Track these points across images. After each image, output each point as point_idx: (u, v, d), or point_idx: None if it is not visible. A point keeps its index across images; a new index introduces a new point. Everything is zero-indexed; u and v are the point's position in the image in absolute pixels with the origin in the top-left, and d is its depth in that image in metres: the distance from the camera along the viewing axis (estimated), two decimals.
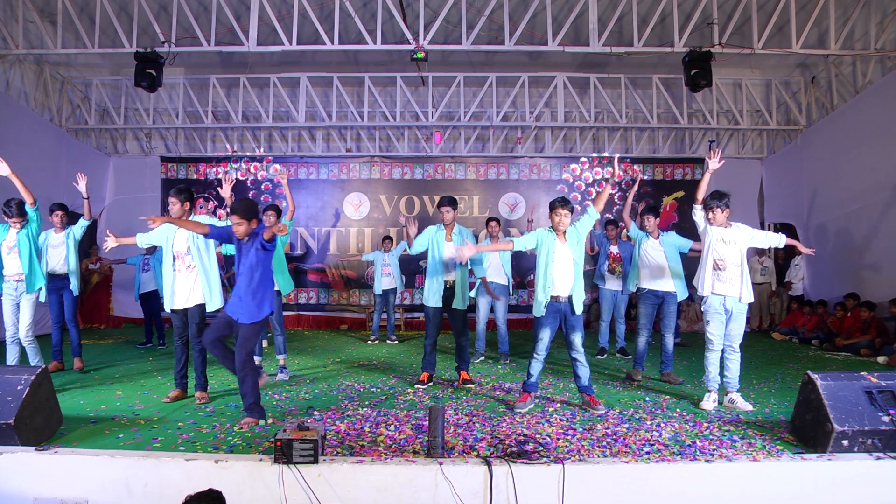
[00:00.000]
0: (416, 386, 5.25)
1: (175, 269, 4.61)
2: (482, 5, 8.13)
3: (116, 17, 8.01)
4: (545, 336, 4.46)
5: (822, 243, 8.89)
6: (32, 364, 5.14)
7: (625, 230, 6.08)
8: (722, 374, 4.57)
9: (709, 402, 4.52)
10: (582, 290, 4.48)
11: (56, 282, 5.82)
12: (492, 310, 6.78)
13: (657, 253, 5.62)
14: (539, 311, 4.45)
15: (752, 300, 4.54)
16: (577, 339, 4.46)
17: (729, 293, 4.47)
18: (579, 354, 4.47)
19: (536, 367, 4.50)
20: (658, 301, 5.57)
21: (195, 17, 8.05)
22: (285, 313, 9.89)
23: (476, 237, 6.37)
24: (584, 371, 4.49)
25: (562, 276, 4.40)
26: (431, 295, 5.29)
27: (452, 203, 5.32)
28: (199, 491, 2.39)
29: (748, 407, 4.44)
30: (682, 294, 5.59)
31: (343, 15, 7.90)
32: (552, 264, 4.39)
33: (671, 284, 5.56)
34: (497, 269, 6.71)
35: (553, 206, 4.43)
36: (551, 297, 4.41)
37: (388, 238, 8.83)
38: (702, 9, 7.93)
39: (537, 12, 8.11)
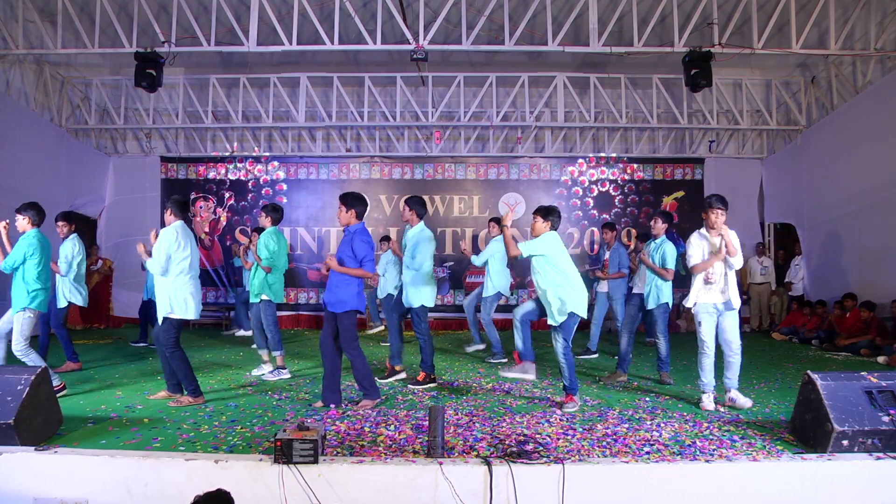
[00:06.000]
0: (410, 386, 5.29)
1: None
2: (482, 5, 8.12)
3: (116, 17, 8.01)
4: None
5: (821, 243, 8.90)
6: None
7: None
8: (722, 374, 4.57)
9: (709, 402, 4.52)
10: (555, 299, 4.40)
11: None
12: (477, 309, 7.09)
13: (655, 255, 5.60)
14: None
15: (739, 305, 4.51)
16: (557, 345, 4.48)
17: (718, 301, 4.49)
18: (559, 356, 4.49)
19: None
20: (643, 304, 5.58)
21: (195, 17, 8.05)
22: (285, 313, 9.98)
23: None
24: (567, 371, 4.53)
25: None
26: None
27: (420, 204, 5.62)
28: (208, 491, 2.38)
29: (748, 403, 4.45)
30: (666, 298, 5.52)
31: (343, 15, 7.90)
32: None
33: None
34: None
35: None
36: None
37: (386, 238, 8.39)
38: (702, 9, 7.92)
39: (537, 12, 8.10)
